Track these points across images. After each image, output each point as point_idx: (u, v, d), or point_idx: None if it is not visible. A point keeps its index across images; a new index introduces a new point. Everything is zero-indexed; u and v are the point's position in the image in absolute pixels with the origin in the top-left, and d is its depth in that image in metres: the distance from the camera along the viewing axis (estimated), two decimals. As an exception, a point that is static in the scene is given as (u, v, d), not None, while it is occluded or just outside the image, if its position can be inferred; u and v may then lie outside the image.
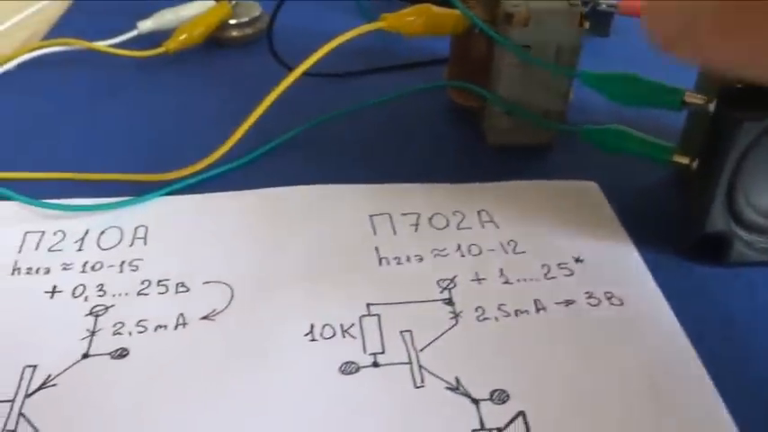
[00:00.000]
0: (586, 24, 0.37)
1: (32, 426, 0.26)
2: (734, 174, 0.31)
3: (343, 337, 0.29)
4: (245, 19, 0.52)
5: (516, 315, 0.31)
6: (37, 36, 0.54)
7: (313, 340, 0.29)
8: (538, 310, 0.31)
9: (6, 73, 0.47)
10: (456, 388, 0.27)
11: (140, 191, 0.37)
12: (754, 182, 0.32)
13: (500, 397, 0.27)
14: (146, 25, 0.50)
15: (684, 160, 0.35)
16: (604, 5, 0.53)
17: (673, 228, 0.35)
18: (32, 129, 0.43)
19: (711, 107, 0.32)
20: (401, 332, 0.30)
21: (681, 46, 0.23)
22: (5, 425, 0.26)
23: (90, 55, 0.49)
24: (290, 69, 0.39)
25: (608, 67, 0.37)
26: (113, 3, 0.58)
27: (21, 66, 0.48)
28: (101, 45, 0.48)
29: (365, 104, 0.43)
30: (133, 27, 0.50)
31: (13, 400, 0.27)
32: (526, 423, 0.26)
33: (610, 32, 0.55)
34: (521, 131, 0.40)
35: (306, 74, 0.38)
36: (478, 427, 0.26)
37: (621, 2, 0.54)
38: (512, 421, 0.26)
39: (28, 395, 0.27)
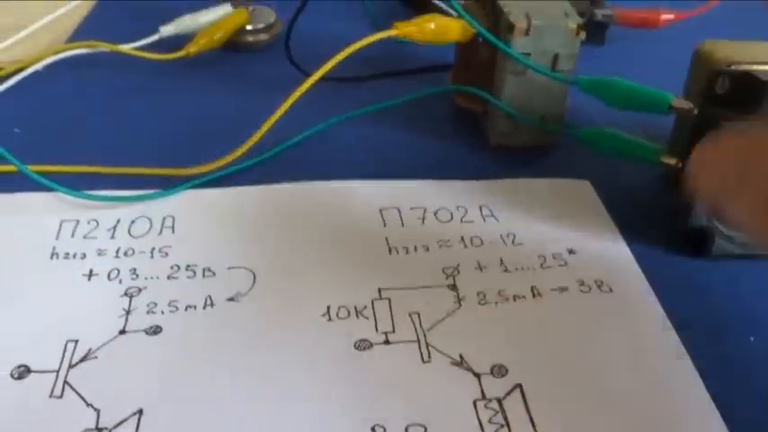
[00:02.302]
0: (582, 35, 0.40)
1: (77, 393, 0.29)
2: (715, 173, 0.34)
3: (357, 317, 0.32)
4: (261, 25, 0.55)
5: (515, 300, 0.33)
6: (61, 38, 0.56)
7: (329, 320, 0.32)
8: (534, 295, 0.34)
9: (35, 73, 0.50)
10: (460, 363, 0.30)
11: (166, 184, 0.40)
12: (734, 181, 0.35)
13: (499, 371, 0.30)
14: (168, 30, 0.53)
15: (672, 161, 0.37)
16: (600, 15, 0.56)
17: (661, 224, 0.38)
18: (64, 125, 0.46)
19: (696, 111, 0.35)
20: (410, 314, 0.33)
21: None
22: (52, 392, 0.29)
23: (114, 57, 0.52)
24: (306, 74, 0.42)
25: (604, 74, 0.40)
26: (133, 7, 0.61)
27: (48, 66, 0.50)
28: (125, 48, 0.51)
29: (376, 108, 0.46)
30: (155, 31, 0.53)
31: (58, 371, 0.30)
32: (523, 393, 0.29)
33: (605, 41, 0.58)
34: (521, 133, 0.43)
35: (327, 79, 0.41)
36: (480, 396, 0.29)
37: (616, 12, 0.57)
38: (510, 392, 0.29)
39: (72, 366, 0.30)
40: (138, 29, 0.54)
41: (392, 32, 0.40)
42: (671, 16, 0.56)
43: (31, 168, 0.39)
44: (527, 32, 0.40)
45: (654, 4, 0.57)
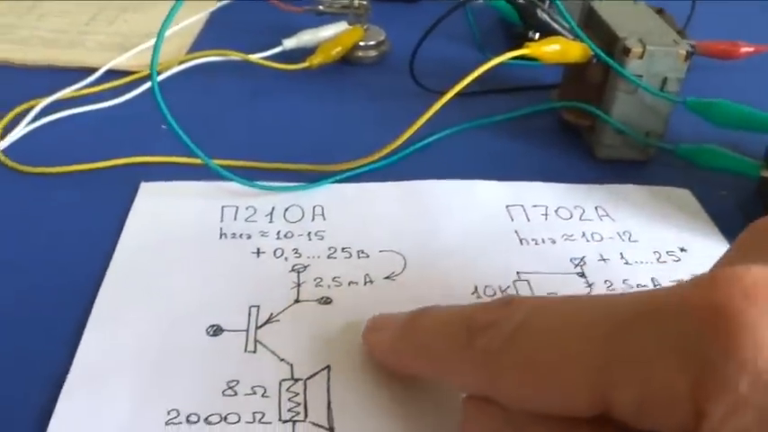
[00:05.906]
0: (690, 60, 0.45)
1: (269, 349, 0.33)
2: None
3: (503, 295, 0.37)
4: (372, 42, 0.60)
5: (638, 288, 0.38)
6: (184, 46, 0.62)
7: (479, 298, 0.37)
8: (654, 286, 0.38)
9: (168, 78, 0.55)
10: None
11: (311, 179, 0.45)
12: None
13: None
14: (290, 43, 0.58)
15: (770, 175, 0.42)
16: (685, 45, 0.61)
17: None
18: (201, 123, 0.50)
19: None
20: (548, 293, 0.37)
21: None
22: (246, 347, 0.33)
23: (236, 65, 0.56)
24: (426, 89, 0.47)
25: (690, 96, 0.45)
26: (240, 20, 0.66)
27: (179, 71, 0.55)
28: (254, 57, 0.56)
29: (493, 120, 0.52)
30: (278, 43, 0.58)
31: (247, 330, 0.34)
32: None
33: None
34: (626, 147, 0.48)
35: (436, 92, 0.46)
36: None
37: (698, 44, 0.61)
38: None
39: (258, 327, 0.34)
40: (249, 40, 0.59)
41: (525, 51, 0.45)
42: (751, 49, 0.61)
43: (178, 160, 0.44)
44: (641, 56, 0.44)
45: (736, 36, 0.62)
